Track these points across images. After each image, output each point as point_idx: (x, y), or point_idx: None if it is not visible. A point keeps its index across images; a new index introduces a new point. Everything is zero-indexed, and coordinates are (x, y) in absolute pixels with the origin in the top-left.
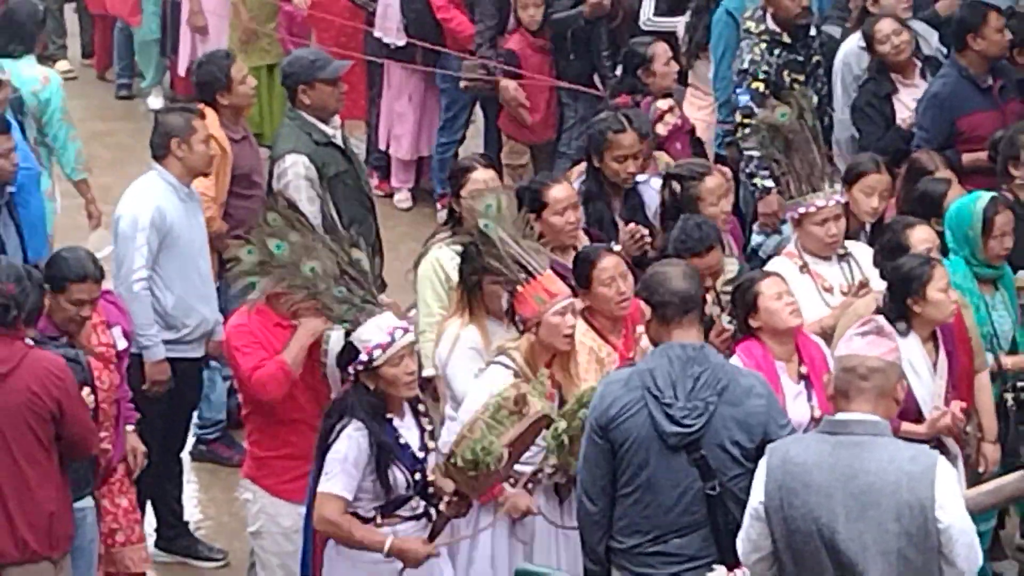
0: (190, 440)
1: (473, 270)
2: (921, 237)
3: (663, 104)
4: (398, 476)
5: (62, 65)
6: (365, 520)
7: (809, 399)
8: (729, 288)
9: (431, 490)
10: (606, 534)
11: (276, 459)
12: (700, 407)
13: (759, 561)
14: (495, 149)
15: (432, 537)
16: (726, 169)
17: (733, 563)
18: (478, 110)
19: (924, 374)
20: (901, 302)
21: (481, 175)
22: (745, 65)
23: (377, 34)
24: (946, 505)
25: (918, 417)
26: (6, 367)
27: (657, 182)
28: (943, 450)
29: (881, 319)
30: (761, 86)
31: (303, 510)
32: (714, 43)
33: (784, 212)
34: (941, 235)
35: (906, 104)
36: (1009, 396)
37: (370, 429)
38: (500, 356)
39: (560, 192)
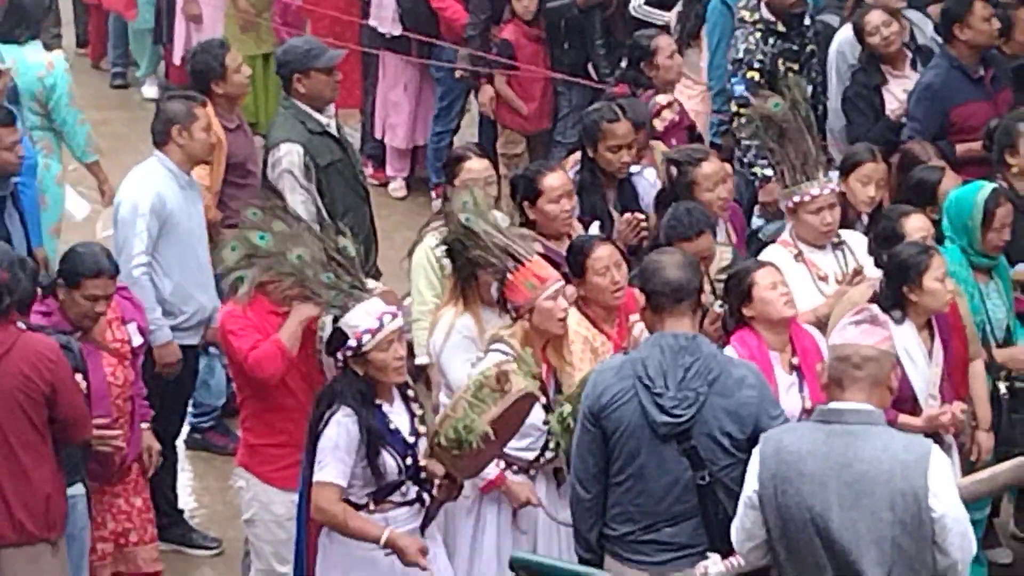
0: (185, 429)
1: (463, 264)
2: (916, 226)
3: (662, 99)
4: (388, 461)
5: (57, 54)
6: (357, 507)
7: (801, 390)
8: (723, 276)
9: (423, 475)
10: (598, 521)
11: (269, 447)
12: (691, 397)
13: (753, 549)
14: (490, 138)
15: (426, 523)
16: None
17: (727, 551)
18: (473, 99)
19: (920, 362)
20: (897, 290)
21: (475, 164)
22: (740, 54)
23: (372, 23)
24: (940, 494)
25: (914, 405)
26: None
27: (651, 172)
28: (937, 439)
29: (875, 308)
30: (756, 75)
31: (296, 498)
32: (709, 32)
33: (779, 201)
34: (935, 223)
35: (896, 95)
36: (1003, 385)
37: (359, 415)
38: (497, 344)
39: (555, 180)
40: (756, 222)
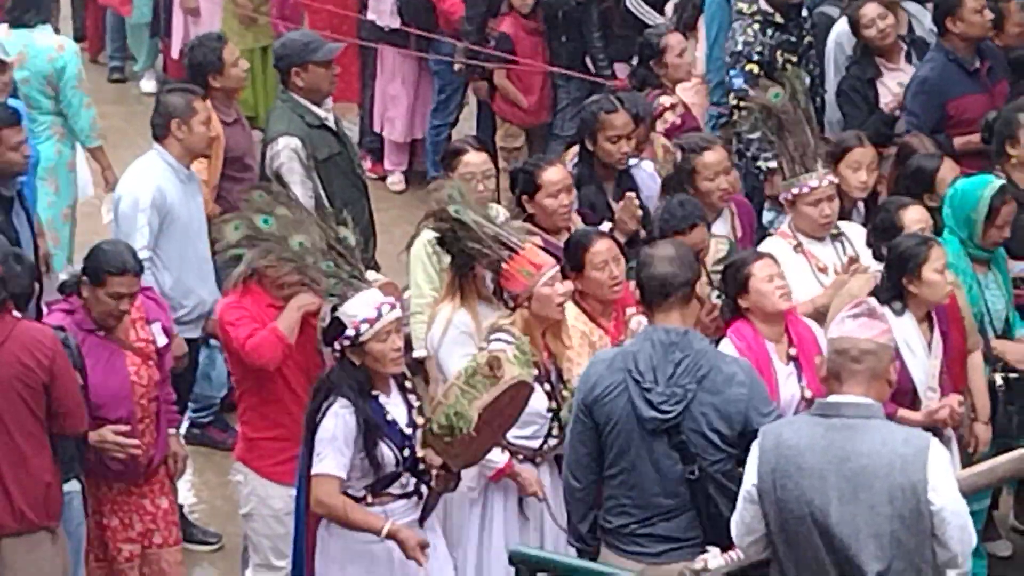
0: (184, 423)
1: (459, 255)
2: (914, 217)
3: (665, 101)
4: (386, 453)
5: (67, 38)
6: (355, 500)
7: (799, 379)
8: (719, 268)
9: (422, 466)
10: (590, 511)
11: (267, 440)
12: (679, 394)
13: (753, 543)
14: (489, 131)
15: (425, 514)
16: None
17: (722, 544)
18: (471, 92)
19: (919, 354)
20: (897, 282)
21: (473, 158)
22: (739, 47)
23: (371, 16)
24: (939, 487)
25: (913, 398)
26: None
27: (649, 164)
28: (936, 431)
29: (873, 301)
30: (755, 68)
31: (294, 492)
32: (707, 24)
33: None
34: (933, 210)
35: (890, 88)
36: (998, 376)
37: (356, 406)
38: (498, 333)
39: (554, 175)
40: (767, 216)
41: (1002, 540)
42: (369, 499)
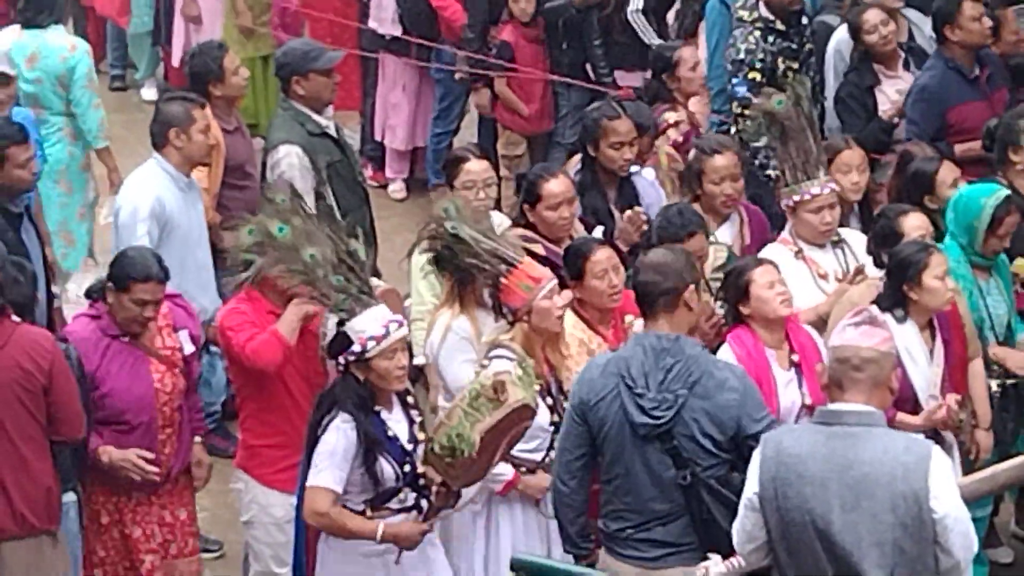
0: None
1: (454, 271)
2: (914, 224)
3: (670, 117)
4: (386, 468)
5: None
6: (354, 514)
7: (800, 386)
8: (718, 275)
9: (422, 482)
10: (579, 515)
11: (268, 448)
12: (670, 400)
13: (754, 551)
14: (490, 139)
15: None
16: None
17: (718, 551)
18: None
19: (921, 361)
20: (898, 289)
21: (475, 166)
22: (741, 55)
23: (372, 25)
24: (940, 495)
25: (915, 405)
26: None
27: (650, 172)
28: (938, 438)
29: (874, 309)
30: (758, 76)
31: (295, 500)
32: (708, 31)
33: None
34: (934, 213)
35: (888, 96)
36: (994, 383)
37: (358, 421)
38: (499, 350)
39: (556, 187)
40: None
41: (1003, 547)
42: (368, 513)
